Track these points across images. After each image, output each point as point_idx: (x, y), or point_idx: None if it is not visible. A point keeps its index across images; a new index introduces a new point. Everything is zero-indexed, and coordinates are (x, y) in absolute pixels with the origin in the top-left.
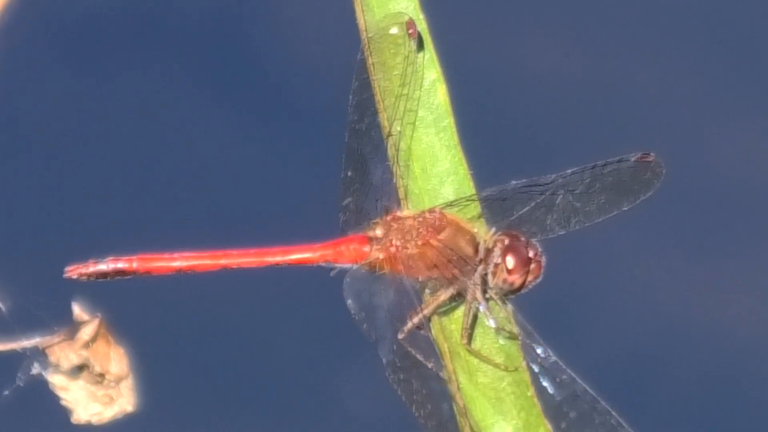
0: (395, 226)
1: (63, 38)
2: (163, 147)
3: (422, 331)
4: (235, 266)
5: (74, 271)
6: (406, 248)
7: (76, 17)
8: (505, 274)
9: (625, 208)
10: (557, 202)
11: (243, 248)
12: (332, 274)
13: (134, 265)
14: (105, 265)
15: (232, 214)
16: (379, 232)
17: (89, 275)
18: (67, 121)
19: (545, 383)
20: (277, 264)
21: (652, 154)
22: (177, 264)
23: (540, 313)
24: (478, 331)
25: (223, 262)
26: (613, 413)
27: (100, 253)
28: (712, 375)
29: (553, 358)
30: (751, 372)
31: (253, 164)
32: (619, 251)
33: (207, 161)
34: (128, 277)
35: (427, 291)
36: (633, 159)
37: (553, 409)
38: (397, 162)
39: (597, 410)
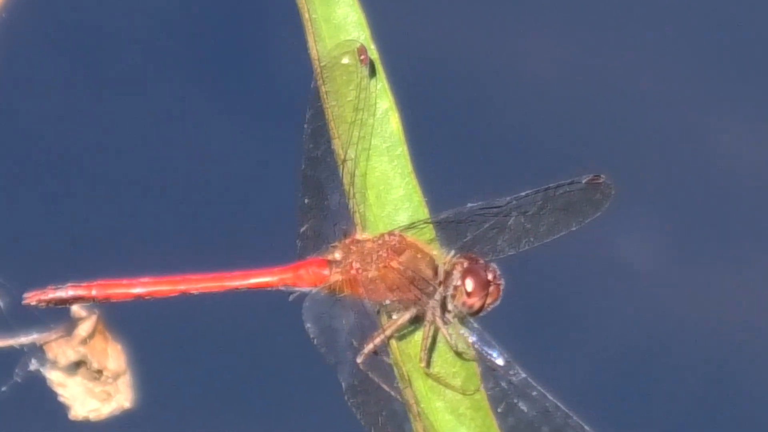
0: (354, 248)
1: (62, 37)
2: (129, 169)
3: (382, 355)
4: (194, 291)
5: (33, 297)
6: (367, 271)
7: (76, 16)
8: (464, 297)
9: (573, 229)
10: (509, 223)
11: (202, 273)
12: (291, 298)
13: (93, 292)
14: (63, 292)
15: (191, 239)
16: (338, 255)
17: (48, 301)
18: (64, 119)
19: (515, 400)
20: (237, 288)
21: (602, 175)
22: (136, 290)
23: (539, 313)
24: (437, 354)
25: (182, 287)
26: (586, 428)
27: (60, 274)
28: (712, 374)
29: (522, 374)
30: (751, 371)
31: (213, 187)
32: (619, 250)
33: (168, 185)
34: (87, 303)
35: (386, 314)
36: (584, 180)
37: (524, 424)
38: (353, 188)
39: (569, 425)
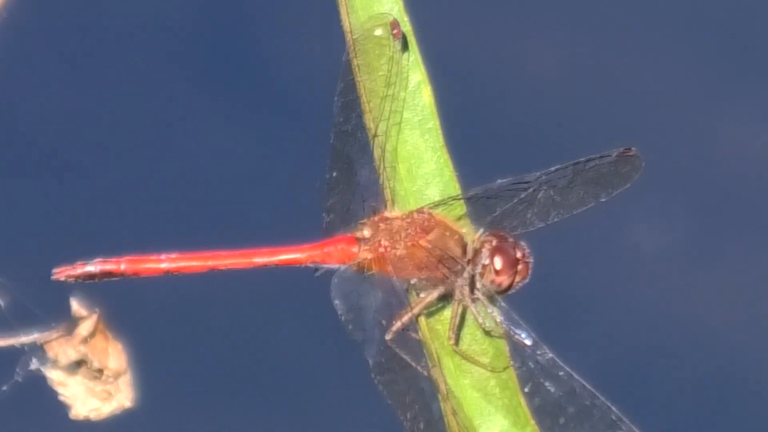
0: (383, 226)
1: (61, 36)
2: (151, 150)
3: (410, 332)
4: (222, 267)
5: (62, 272)
6: (395, 249)
7: (76, 15)
8: (493, 275)
9: (603, 200)
10: (539, 197)
11: (230, 249)
12: (317, 274)
13: (122, 266)
14: (93, 267)
15: (219, 215)
16: (366, 232)
17: (77, 277)
18: (64, 120)
19: (542, 379)
20: (265, 265)
21: (633, 148)
22: (165, 266)
23: (539, 311)
24: (465, 332)
25: (210, 263)
26: (613, 408)
27: (90, 252)
28: (712, 374)
29: (550, 354)
30: (751, 371)
31: (240, 165)
32: (619, 250)
33: (195, 163)
34: (116, 278)
35: (415, 292)
36: (615, 154)
37: (550, 404)
38: (383, 163)
39: (596, 405)
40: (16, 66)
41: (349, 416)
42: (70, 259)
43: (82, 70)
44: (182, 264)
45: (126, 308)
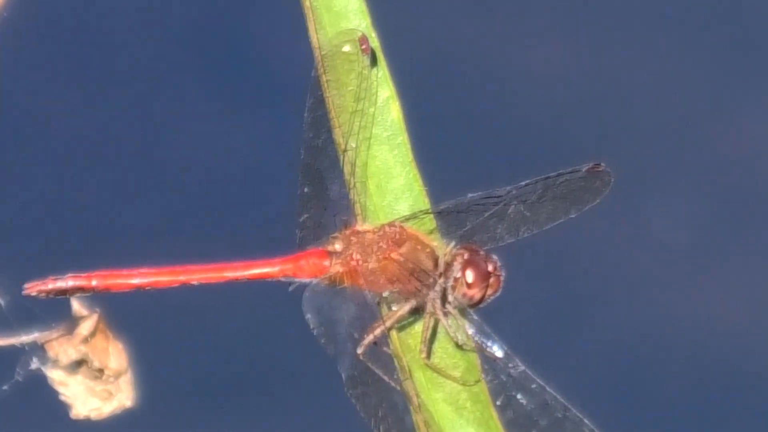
0: (355, 240)
1: (61, 35)
2: (130, 160)
3: (382, 346)
4: (194, 282)
5: (33, 287)
6: (367, 262)
7: (76, 14)
8: (464, 288)
9: (572, 216)
10: (509, 212)
11: (202, 264)
12: (290, 288)
13: (93, 282)
14: (64, 282)
15: (190, 231)
16: (338, 246)
17: (48, 292)
18: (66, 115)
19: (514, 392)
20: (237, 279)
21: (602, 164)
22: (136, 281)
23: (540, 312)
24: (437, 345)
25: (182, 278)
26: (585, 420)
27: (60, 266)
28: (711, 373)
29: (522, 367)
30: (750, 370)
31: (212, 178)
32: (619, 248)
33: (168, 177)
34: (87, 293)
35: (386, 305)
36: (584, 169)
37: (523, 417)
38: (353, 178)
39: (568, 418)
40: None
41: (349, 416)
42: (67, 261)
43: (68, 71)
44: (154, 279)
45: (126, 308)
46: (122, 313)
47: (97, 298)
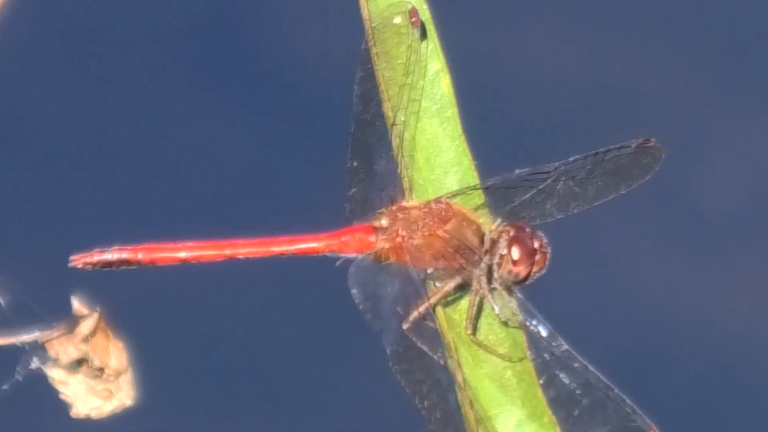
0: (401, 216)
1: (62, 33)
2: (169, 137)
3: (427, 322)
4: (239, 256)
5: (79, 260)
6: (413, 238)
7: (76, 14)
8: (510, 265)
9: (623, 192)
10: (558, 188)
11: (248, 238)
12: (337, 264)
13: (139, 255)
14: (110, 255)
15: (237, 205)
16: (384, 222)
17: (94, 264)
18: (67, 113)
19: (557, 371)
20: (282, 254)
21: (652, 139)
22: (182, 254)
23: (545, 305)
24: (482, 321)
25: (227, 252)
26: (627, 400)
27: (101, 245)
28: (711, 372)
29: (565, 346)
30: (750, 369)
31: (258, 153)
32: (618, 247)
33: (213, 151)
34: (133, 267)
35: (432, 281)
36: (634, 145)
37: (565, 396)
38: (401, 152)
39: (610, 398)
40: (31, 59)
41: (351, 415)
42: (80, 251)
43: (97, 61)
44: (199, 252)
45: (127, 307)
46: (123, 312)
47: (98, 296)
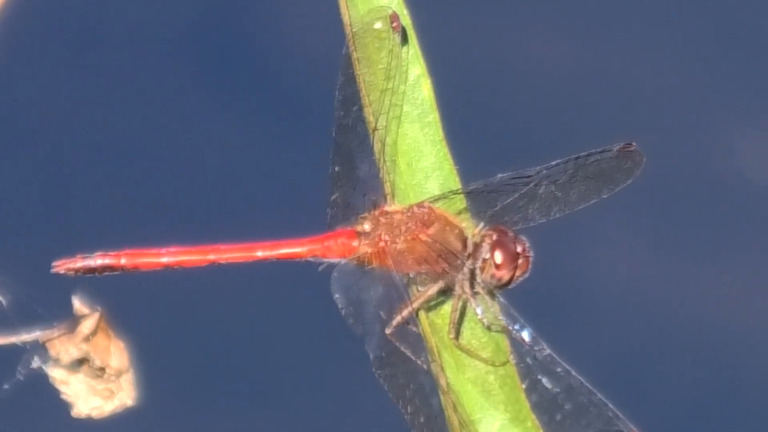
0: (383, 220)
1: (63, 33)
2: (153, 144)
3: (410, 326)
4: (223, 261)
5: (62, 265)
6: (395, 243)
7: (76, 14)
8: (493, 269)
9: (605, 196)
10: (540, 192)
11: (231, 243)
12: (320, 269)
13: (122, 261)
14: (93, 261)
15: (220, 210)
16: (367, 226)
17: (77, 270)
18: (60, 118)
19: (540, 376)
20: (265, 259)
21: (633, 143)
22: (165, 260)
23: (537, 309)
24: (465, 326)
25: (211, 257)
26: (609, 405)
27: (91, 248)
28: (711, 371)
29: (547, 350)
30: (749, 368)
31: (241, 159)
32: (617, 246)
33: (197, 157)
34: (116, 272)
35: (414, 286)
36: (615, 149)
37: (547, 401)
38: (383, 156)
39: (593, 402)
40: (24, 62)
41: (349, 414)
42: (64, 257)
43: (84, 65)
44: (182, 258)
45: (128, 306)
46: (124, 312)
47: (98, 296)
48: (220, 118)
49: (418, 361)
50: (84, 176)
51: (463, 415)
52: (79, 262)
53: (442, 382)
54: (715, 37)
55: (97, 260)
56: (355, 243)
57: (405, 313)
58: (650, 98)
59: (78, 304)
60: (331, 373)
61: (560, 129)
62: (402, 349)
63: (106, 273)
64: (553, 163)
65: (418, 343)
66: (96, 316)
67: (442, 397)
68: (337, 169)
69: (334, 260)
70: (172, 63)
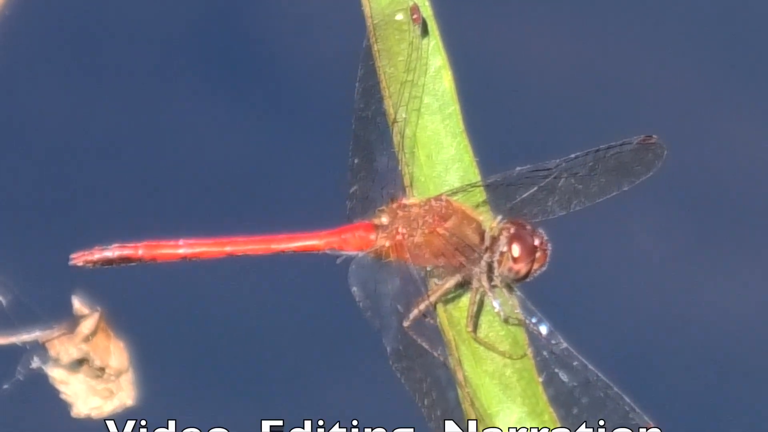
0: (401, 213)
1: (65, 33)
2: (170, 136)
3: (428, 319)
4: (240, 253)
5: (80, 258)
6: (413, 236)
7: (76, 14)
8: (510, 263)
9: (625, 189)
10: (559, 184)
11: (248, 235)
12: (338, 261)
13: (140, 252)
14: (110, 252)
15: (238, 202)
16: (384, 219)
17: (95, 262)
18: (69, 114)
19: (556, 369)
20: (283, 251)
21: (654, 136)
22: (182, 251)
23: (543, 305)
24: (483, 319)
25: (228, 249)
26: (626, 399)
27: (103, 244)
28: (711, 370)
29: (564, 344)
30: (751, 366)
31: (259, 152)
32: (620, 244)
33: (214, 149)
34: (134, 264)
35: (432, 279)
36: (636, 141)
37: (564, 394)
38: (403, 149)
39: (609, 396)
40: (39, 56)
41: (367, 407)
42: (81, 250)
43: (100, 59)
44: (200, 249)
45: (128, 306)
46: (123, 312)
47: (98, 296)
48: (240, 109)
49: (436, 354)
50: (84, 176)
51: (480, 408)
52: (97, 254)
53: (460, 375)
54: (739, 31)
55: (115, 252)
56: (372, 236)
57: (422, 306)
58: (678, 92)
59: (78, 305)
60: (347, 367)
61: (581, 121)
62: (419, 342)
63: (123, 265)
64: (573, 155)
65: (435, 336)
66: (96, 316)
67: (459, 391)
68: (356, 161)
69: (352, 253)
70: (195, 50)
